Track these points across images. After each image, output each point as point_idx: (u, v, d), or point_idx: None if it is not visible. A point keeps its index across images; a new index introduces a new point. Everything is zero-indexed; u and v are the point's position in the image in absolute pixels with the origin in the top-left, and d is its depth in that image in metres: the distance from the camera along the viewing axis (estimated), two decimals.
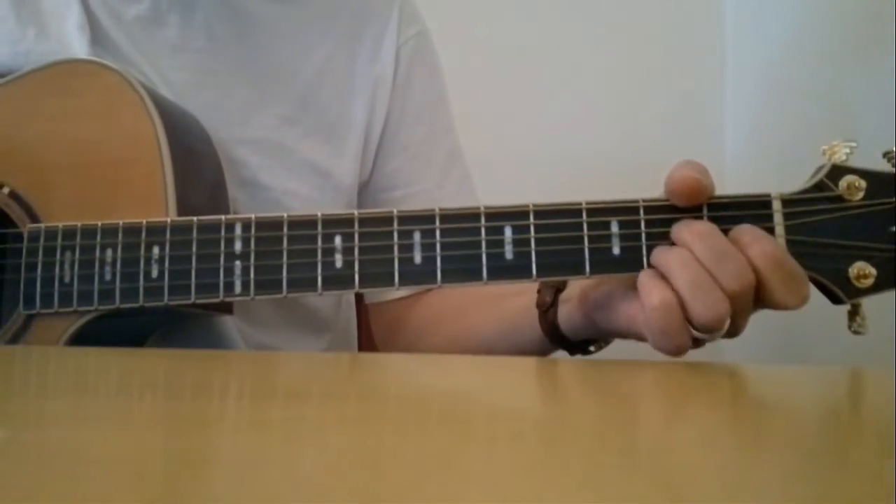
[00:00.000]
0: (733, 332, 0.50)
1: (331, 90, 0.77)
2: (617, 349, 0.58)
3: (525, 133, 1.26)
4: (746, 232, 0.49)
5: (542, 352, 0.63)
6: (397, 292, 0.78)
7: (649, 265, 0.51)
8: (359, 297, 0.87)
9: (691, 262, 0.48)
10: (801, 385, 0.45)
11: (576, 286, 0.57)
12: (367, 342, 0.88)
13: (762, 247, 0.48)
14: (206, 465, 0.26)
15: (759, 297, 0.49)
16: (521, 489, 0.23)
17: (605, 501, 0.21)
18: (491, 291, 0.69)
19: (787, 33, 1.14)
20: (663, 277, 0.49)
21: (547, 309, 0.59)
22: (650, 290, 0.49)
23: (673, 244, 0.50)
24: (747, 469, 0.25)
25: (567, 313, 0.58)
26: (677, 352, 0.49)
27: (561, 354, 0.63)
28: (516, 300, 0.64)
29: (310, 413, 0.34)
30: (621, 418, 0.35)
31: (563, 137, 1.26)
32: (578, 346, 0.60)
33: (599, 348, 0.60)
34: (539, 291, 0.60)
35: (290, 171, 0.73)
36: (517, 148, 1.24)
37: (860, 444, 0.31)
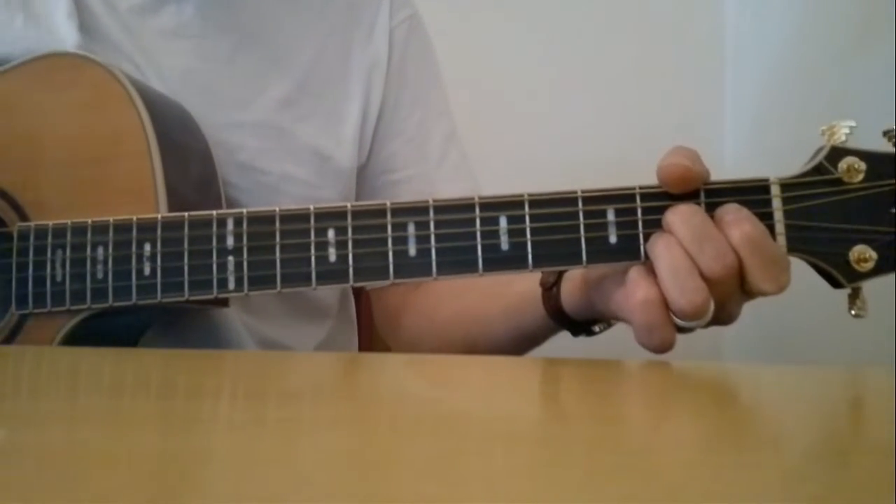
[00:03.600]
0: (726, 318, 0.50)
1: (327, 74, 0.77)
2: (615, 349, 0.58)
3: (525, 134, 1.26)
4: (729, 211, 0.49)
5: (544, 334, 0.63)
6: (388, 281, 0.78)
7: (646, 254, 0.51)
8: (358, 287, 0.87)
9: (674, 246, 0.48)
10: (801, 385, 0.45)
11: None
12: (366, 329, 0.88)
13: (741, 229, 0.48)
14: (203, 464, 0.26)
15: (743, 283, 0.49)
16: (519, 490, 0.23)
17: (603, 502, 0.22)
18: (495, 277, 0.70)
19: (787, 32, 1.15)
20: (652, 272, 0.49)
21: (550, 287, 0.59)
22: (636, 285, 0.49)
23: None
24: (747, 469, 0.25)
25: (569, 291, 0.58)
26: (661, 348, 0.49)
27: (562, 340, 0.63)
28: (519, 284, 0.64)
29: (306, 413, 0.34)
30: (620, 418, 0.35)
31: (562, 138, 1.26)
32: (582, 326, 0.60)
33: (603, 329, 0.59)
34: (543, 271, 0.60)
35: (288, 155, 0.74)
36: (516, 150, 1.24)
37: (860, 444, 0.31)
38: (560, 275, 0.59)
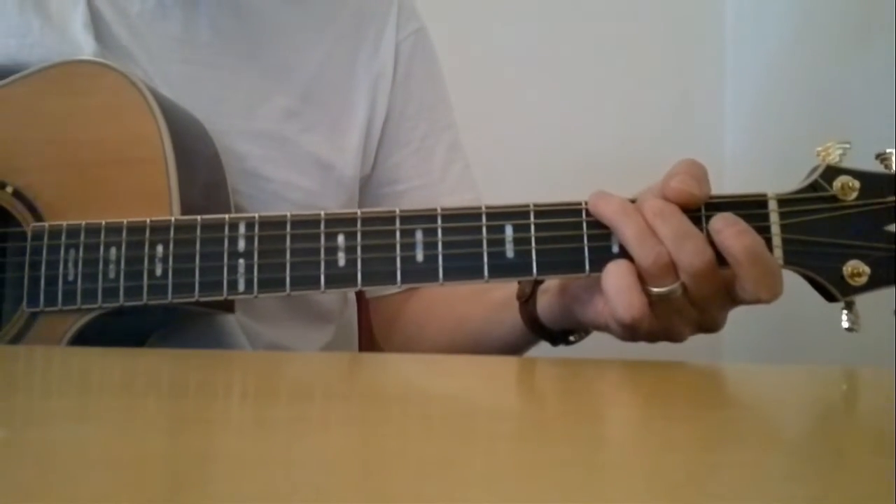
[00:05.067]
0: (710, 324, 0.52)
1: (332, 85, 0.79)
2: (612, 349, 0.59)
3: (525, 134, 1.27)
4: (729, 223, 0.50)
5: (525, 343, 0.64)
6: (394, 287, 0.80)
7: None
8: (360, 292, 0.88)
9: (634, 212, 0.51)
10: (801, 385, 0.46)
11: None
12: (367, 336, 0.90)
13: (743, 242, 0.49)
14: (208, 464, 0.26)
15: (734, 290, 0.50)
16: (520, 489, 0.23)
17: (604, 501, 0.22)
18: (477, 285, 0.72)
19: (787, 33, 1.16)
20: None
21: (526, 300, 0.61)
22: (610, 265, 0.51)
23: None
24: (747, 469, 0.26)
25: (546, 303, 0.59)
26: (631, 312, 0.50)
27: (543, 347, 0.64)
28: (498, 292, 0.66)
29: (311, 413, 0.35)
30: (619, 418, 0.35)
31: (562, 138, 1.27)
32: (559, 336, 0.61)
33: (580, 338, 0.61)
34: (519, 282, 0.61)
35: (292, 163, 0.75)
36: (517, 149, 1.25)
37: (860, 444, 0.31)
38: (535, 288, 0.60)
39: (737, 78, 1.30)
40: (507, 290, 0.63)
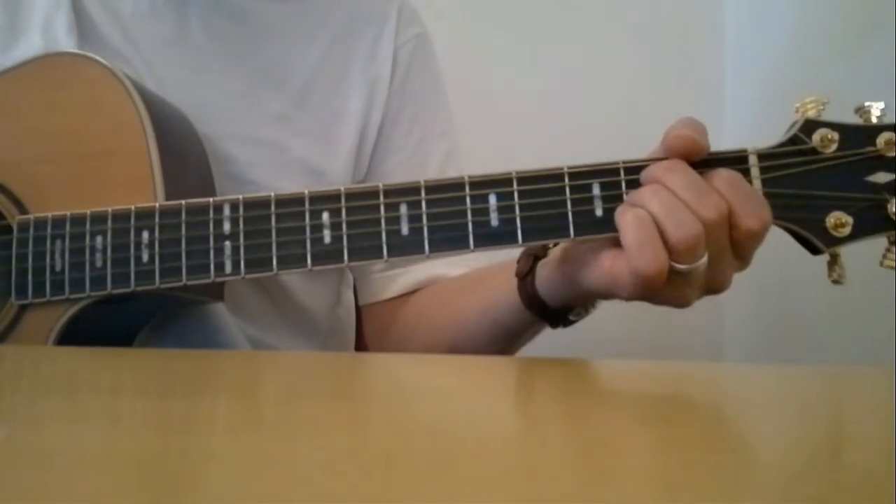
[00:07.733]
0: (718, 284, 0.53)
1: (326, 89, 0.80)
2: (611, 349, 0.59)
3: (522, 134, 1.28)
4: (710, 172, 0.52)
5: (522, 328, 0.65)
6: (388, 292, 0.81)
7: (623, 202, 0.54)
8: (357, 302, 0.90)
9: (662, 190, 0.51)
10: (800, 385, 0.47)
11: (556, 251, 0.60)
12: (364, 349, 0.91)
13: (719, 175, 0.51)
14: (201, 465, 0.27)
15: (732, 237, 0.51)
16: (517, 490, 0.24)
17: (603, 502, 0.23)
18: (473, 278, 0.72)
19: (788, 32, 1.17)
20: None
21: (525, 276, 0.62)
22: (625, 210, 0.52)
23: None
24: (746, 469, 0.27)
25: (546, 277, 0.60)
26: (653, 266, 0.50)
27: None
28: (496, 278, 0.67)
29: (304, 413, 0.36)
30: (619, 419, 0.36)
31: (561, 139, 1.27)
32: (559, 315, 0.62)
33: (579, 316, 0.62)
34: (518, 261, 0.63)
35: (281, 169, 0.76)
36: (515, 150, 1.26)
37: (860, 444, 0.32)
38: (534, 264, 0.61)
39: (737, 78, 1.31)
40: (504, 274, 0.64)
